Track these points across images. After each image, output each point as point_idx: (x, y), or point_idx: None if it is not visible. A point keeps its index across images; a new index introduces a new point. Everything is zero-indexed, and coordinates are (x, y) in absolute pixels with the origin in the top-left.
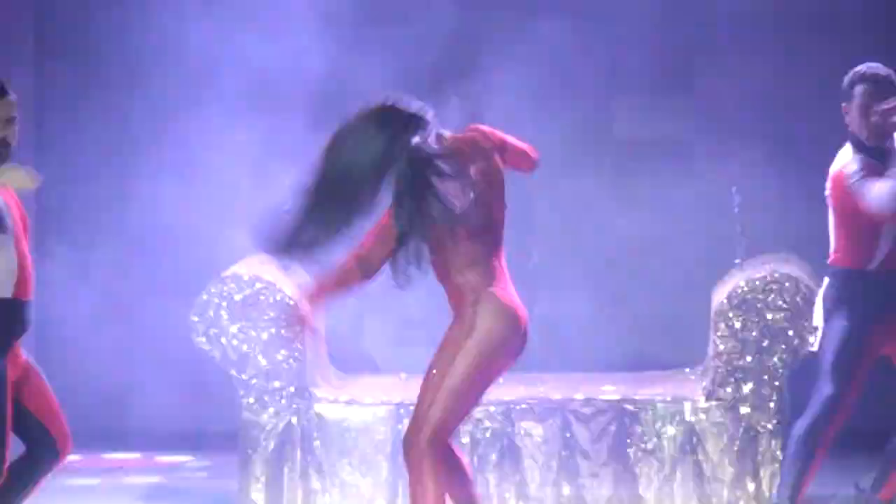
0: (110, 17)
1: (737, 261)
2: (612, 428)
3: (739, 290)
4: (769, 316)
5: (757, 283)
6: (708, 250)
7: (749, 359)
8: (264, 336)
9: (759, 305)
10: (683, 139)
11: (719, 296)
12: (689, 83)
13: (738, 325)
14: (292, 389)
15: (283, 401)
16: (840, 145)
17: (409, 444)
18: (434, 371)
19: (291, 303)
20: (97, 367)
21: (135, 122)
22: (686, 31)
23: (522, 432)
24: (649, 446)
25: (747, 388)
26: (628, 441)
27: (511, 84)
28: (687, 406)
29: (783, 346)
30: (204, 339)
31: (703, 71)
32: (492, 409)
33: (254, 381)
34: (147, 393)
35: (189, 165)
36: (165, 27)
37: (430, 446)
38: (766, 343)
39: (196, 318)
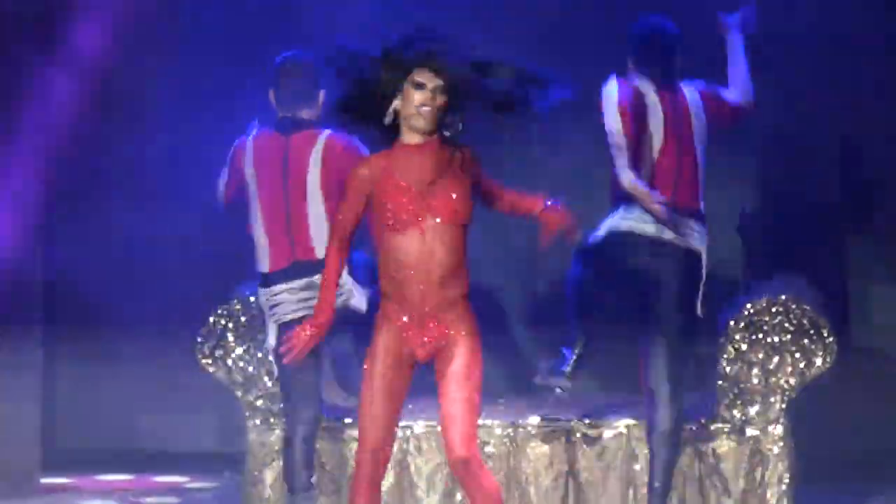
0: None
1: (740, 279)
2: (619, 451)
3: (746, 313)
4: (775, 338)
5: (763, 305)
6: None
7: (755, 381)
8: (270, 357)
9: (765, 328)
10: None
11: (727, 318)
12: None
13: (744, 347)
14: None
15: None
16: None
17: (464, 457)
18: (446, 379)
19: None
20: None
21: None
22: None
23: (528, 453)
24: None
25: (753, 410)
26: (635, 464)
27: None
28: (694, 428)
29: (789, 369)
30: (209, 361)
31: None
32: (496, 430)
33: (259, 402)
34: (147, 414)
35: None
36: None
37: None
38: (772, 365)
39: (201, 340)
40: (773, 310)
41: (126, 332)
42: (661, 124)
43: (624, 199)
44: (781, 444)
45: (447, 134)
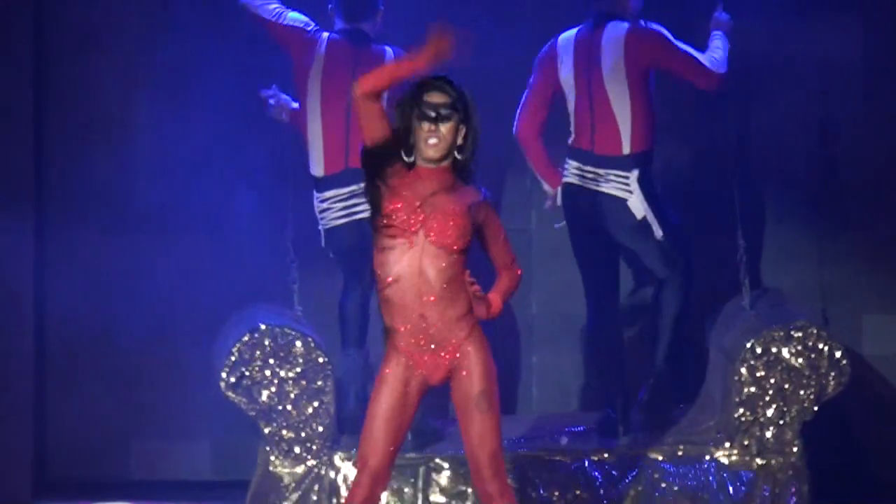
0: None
1: (743, 303)
2: (631, 476)
3: (763, 339)
4: (791, 363)
5: (782, 332)
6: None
7: (771, 406)
8: (293, 387)
9: (781, 353)
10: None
11: (733, 341)
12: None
13: (760, 372)
14: (321, 440)
15: (312, 451)
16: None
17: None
18: (464, 403)
19: (320, 356)
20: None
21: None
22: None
23: (537, 481)
24: (669, 496)
25: (769, 434)
26: (648, 489)
27: None
28: (708, 453)
29: (802, 393)
30: (232, 392)
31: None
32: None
33: (283, 431)
34: (141, 441)
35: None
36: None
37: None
38: (787, 390)
39: (226, 371)
40: (789, 334)
41: (120, 358)
42: (572, 72)
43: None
44: (796, 467)
45: (459, 158)
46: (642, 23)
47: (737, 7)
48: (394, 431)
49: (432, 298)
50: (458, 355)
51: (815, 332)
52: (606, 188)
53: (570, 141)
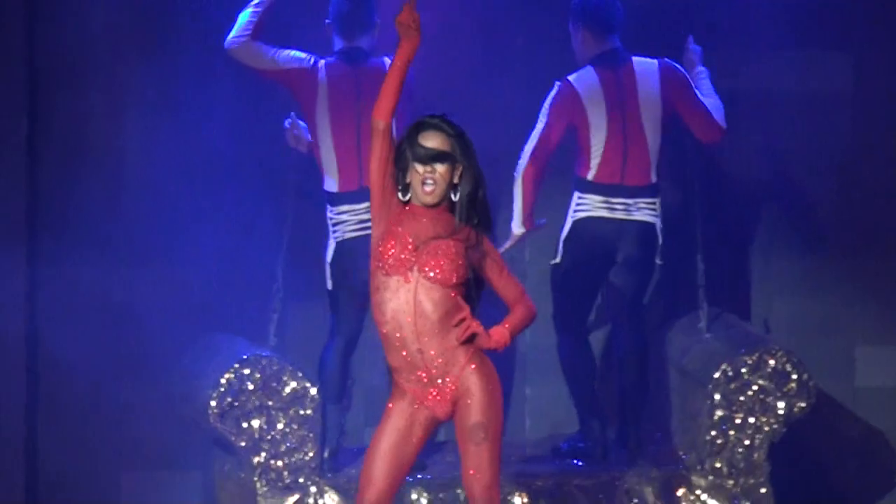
0: None
1: (700, 325)
2: (608, 501)
3: (735, 363)
4: (761, 385)
5: (754, 356)
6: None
7: (742, 428)
8: (282, 416)
9: (752, 376)
10: None
11: (699, 364)
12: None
13: (732, 396)
14: (309, 469)
15: (301, 480)
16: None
17: None
18: (465, 433)
19: (307, 384)
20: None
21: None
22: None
23: None
24: None
25: (740, 456)
26: None
27: None
28: (682, 476)
29: (771, 414)
30: (220, 423)
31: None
32: None
33: (272, 461)
34: (131, 471)
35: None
36: None
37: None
38: (758, 412)
39: (214, 400)
40: (760, 357)
41: (110, 389)
42: (604, 109)
43: (576, 188)
44: (764, 489)
45: (454, 199)
46: (668, 60)
47: (727, 42)
48: (395, 468)
49: (429, 331)
50: (460, 385)
51: (783, 355)
52: (638, 216)
53: (589, 176)
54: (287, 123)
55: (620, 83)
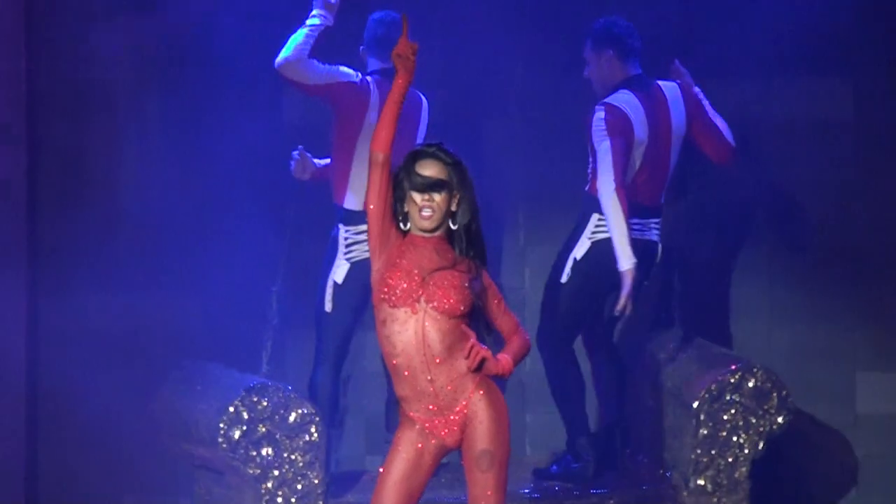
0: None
1: (673, 345)
2: None
3: (718, 382)
4: (743, 403)
5: (736, 375)
6: None
7: (725, 446)
8: (288, 443)
9: (734, 394)
10: None
11: (679, 383)
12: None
13: (716, 414)
14: (316, 496)
15: None
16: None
17: None
18: (471, 460)
19: (314, 412)
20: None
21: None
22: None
23: None
24: None
25: (723, 473)
26: None
27: None
28: (668, 495)
29: (753, 431)
30: (232, 452)
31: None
32: None
33: (280, 489)
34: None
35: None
36: None
37: None
38: (740, 430)
39: (223, 431)
40: (742, 376)
41: (109, 414)
42: (647, 132)
43: (597, 209)
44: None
45: (454, 227)
46: (679, 82)
47: (725, 70)
48: (405, 498)
49: (438, 361)
50: (468, 412)
51: (763, 374)
52: (648, 235)
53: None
54: (296, 154)
55: (657, 107)
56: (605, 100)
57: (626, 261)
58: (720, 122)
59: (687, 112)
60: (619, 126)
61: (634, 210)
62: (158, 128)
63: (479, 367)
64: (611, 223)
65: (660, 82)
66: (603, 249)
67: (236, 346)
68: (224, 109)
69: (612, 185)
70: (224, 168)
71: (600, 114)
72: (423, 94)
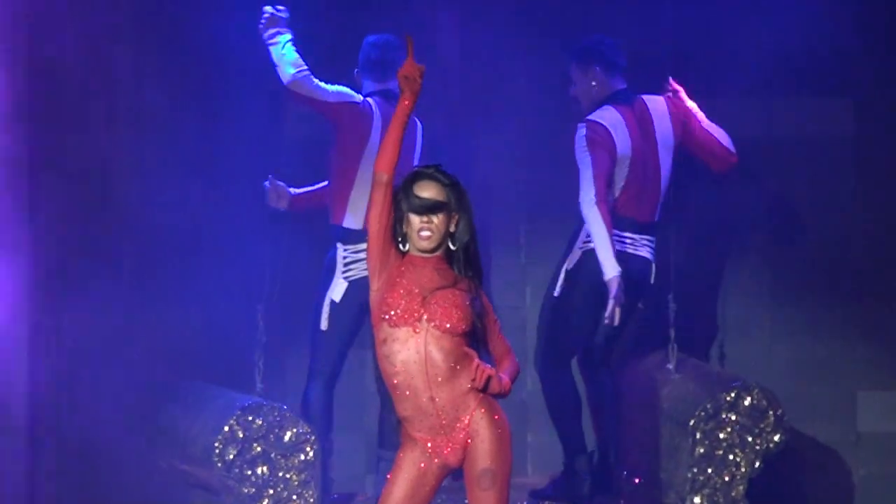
0: None
1: (669, 366)
2: None
3: (715, 400)
4: (740, 422)
5: (732, 394)
6: None
7: (722, 464)
8: (283, 462)
9: (730, 414)
10: None
11: (675, 402)
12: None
13: (712, 433)
14: None
15: None
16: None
17: None
18: (473, 479)
19: (309, 431)
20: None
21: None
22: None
23: None
24: None
25: (720, 492)
26: None
27: None
28: None
29: (749, 450)
30: (227, 471)
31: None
32: None
33: None
34: None
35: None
36: None
37: None
38: (736, 449)
39: (218, 450)
40: (739, 395)
41: (108, 433)
42: (630, 146)
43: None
44: None
45: (453, 248)
46: (671, 96)
47: (726, 89)
48: None
49: (440, 380)
50: (470, 430)
51: (759, 392)
52: (640, 251)
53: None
54: (267, 185)
55: (639, 121)
56: (588, 117)
57: (610, 270)
58: (717, 131)
59: (674, 124)
60: (599, 141)
61: (625, 225)
62: (156, 153)
63: (484, 387)
64: (593, 234)
65: (645, 97)
66: (593, 259)
67: (236, 363)
68: (225, 122)
69: (593, 199)
70: (226, 180)
71: (582, 131)
72: (419, 118)
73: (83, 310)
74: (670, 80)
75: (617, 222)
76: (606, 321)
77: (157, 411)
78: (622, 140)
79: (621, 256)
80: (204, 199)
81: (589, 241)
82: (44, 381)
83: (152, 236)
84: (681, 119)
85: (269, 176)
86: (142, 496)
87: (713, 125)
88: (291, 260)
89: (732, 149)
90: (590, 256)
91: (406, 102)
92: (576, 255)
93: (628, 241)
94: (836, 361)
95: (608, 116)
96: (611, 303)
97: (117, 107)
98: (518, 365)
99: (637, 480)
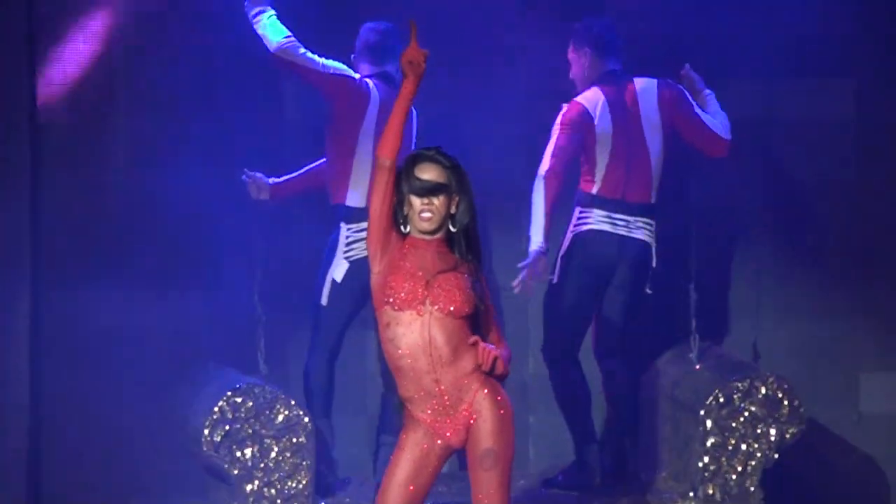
0: None
1: (691, 356)
2: None
3: (727, 389)
4: (753, 412)
5: (745, 382)
6: None
7: (734, 455)
8: (274, 444)
9: (744, 402)
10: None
11: (690, 392)
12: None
13: (724, 422)
14: (303, 498)
15: None
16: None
17: None
18: (475, 461)
19: (300, 412)
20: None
21: None
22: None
23: None
24: None
25: (732, 482)
26: None
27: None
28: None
29: (764, 441)
30: (215, 451)
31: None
32: None
33: (265, 489)
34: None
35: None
36: None
37: None
38: (749, 439)
39: (208, 430)
40: (752, 384)
41: (111, 417)
42: (610, 125)
43: (578, 203)
44: None
45: (453, 229)
46: (666, 79)
47: (728, 70)
48: (409, 500)
49: (444, 362)
50: (472, 410)
51: (774, 381)
52: (637, 234)
53: (594, 190)
54: (245, 178)
55: (623, 100)
56: (574, 98)
57: (533, 244)
58: (711, 118)
59: (661, 105)
60: (572, 122)
61: (615, 206)
62: (157, 136)
63: (491, 368)
64: (532, 206)
65: (636, 78)
66: (585, 241)
67: (247, 345)
68: (212, 120)
69: (543, 174)
70: (232, 161)
71: (562, 110)
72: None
73: (85, 299)
74: (686, 67)
75: (605, 204)
76: (516, 290)
77: (170, 395)
78: (603, 118)
79: (615, 239)
80: (205, 184)
81: (578, 225)
82: (47, 372)
83: (164, 219)
84: (669, 101)
85: (245, 170)
86: (155, 478)
87: (717, 114)
88: (292, 239)
89: (724, 135)
90: (581, 237)
91: (410, 87)
92: (568, 238)
93: (621, 223)
94: (838, 343)
95: (590, 96)
96: (522, 273)
97: (117, 95)
98: (510, 351)
99: (653, 470)
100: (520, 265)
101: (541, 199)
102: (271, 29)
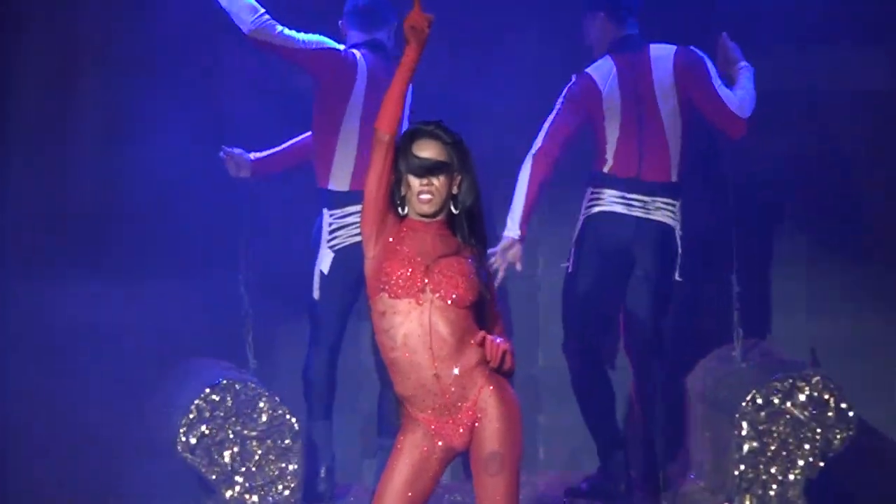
0: None
1: (734, 353)
2: None
3: (765, 389)
4: (795, 415)
5: (786, 382)
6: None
7: (774, 462)
8: (257, 447)
9: (784, 404)
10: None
11: (730, 393)
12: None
13: (762, 426)
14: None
15: None
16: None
17: None
18: (480, 463)
19: (286, 413)
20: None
21: None
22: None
23: None
24: None
25: (772, 493)
26: None
27: None
28: None
29: (807, 447)
30: (190, 453)
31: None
32: None
33: (247, 495)
34: None
35: None
36: None
37: None
38: (791, 445)
39: (184, 430)
40: (794, 384)
41: (87, 419)
42: (619, 96)
43: (590, 183)
44: None
45: (454, 211)
46: (687, 46)
47: (760, 42)
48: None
49: (445, 354)
50: (476, 410)
51: (820, 381)
52: (656, 216)
53: (604, 168)
54: (223, 155)
55: (635, 70)
56: (585, 69)
57: (508, 230)
58: (726, 91)
59: (676, 73)
60: (575, 94)
61: (628, 185)
62: (132, 125)
63: (500, 363)
64: (515, 187)
65: (652, 45)
66: (598, 223)
67: (232, 339)
68: (202, 78)
69: (533, 151)
70: (211, 137)
71: (570, 82)
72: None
73: (53, 292)
74: (724, 36)
75: (617, 183)
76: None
77: (143, 393)
78: (611, 90)
79: (630, 221)
80: (182, 163)
81: (589, 207)
82: (13, 368)
83: (146, 212)
84: (685, 68)
85: (223, 147)
86: (133, 481)
87: (743, 87)
88: (279, 223)
89: (740, 114)
90: (593, 220)
91: (413, 55)
92: (580, 222)
93: (636, 203)
94: (874, 339)
95: (601, 66)
96: (491, 260)
97: (83, 66)
98: (511, 344)
99: (688, 477)
100: (489, 251)
101: (525, 180)
102: (239, 4)
